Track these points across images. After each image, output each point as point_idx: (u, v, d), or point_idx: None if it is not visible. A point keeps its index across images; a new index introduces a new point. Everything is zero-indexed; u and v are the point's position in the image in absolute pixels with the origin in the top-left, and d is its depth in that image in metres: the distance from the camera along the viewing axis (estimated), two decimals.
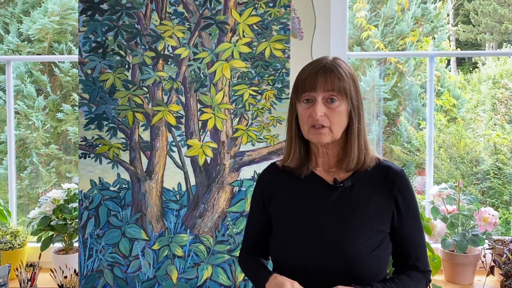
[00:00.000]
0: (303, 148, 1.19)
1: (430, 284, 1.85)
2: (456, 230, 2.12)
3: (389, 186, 1.15)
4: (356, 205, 1.13)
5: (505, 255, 2.00)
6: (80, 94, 1.89)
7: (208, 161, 1.87)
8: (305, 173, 1.19)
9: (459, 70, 9.41)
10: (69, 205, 2.22)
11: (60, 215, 2.20)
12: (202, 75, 1.87)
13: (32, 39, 5.15)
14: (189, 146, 1.88)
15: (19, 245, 2.26)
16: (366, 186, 1.15)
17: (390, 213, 1.14)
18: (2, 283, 1.89)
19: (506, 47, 9.58)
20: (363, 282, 1.08)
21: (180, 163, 1.88)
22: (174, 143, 1.88)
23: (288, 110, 1.21)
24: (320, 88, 1.10)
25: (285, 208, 1.19)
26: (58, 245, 2.24)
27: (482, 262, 2.12)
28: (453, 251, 2.11)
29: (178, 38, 1.88)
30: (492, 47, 10.31)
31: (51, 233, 2.20)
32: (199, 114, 1.88)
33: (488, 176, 4.78)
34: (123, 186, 1.88)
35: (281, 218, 1.20)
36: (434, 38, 6.08)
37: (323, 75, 1.11)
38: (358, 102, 1.14)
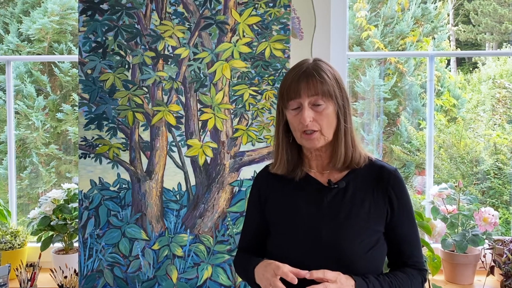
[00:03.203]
0: (291, 153, 1.20)
1: (430, 284, 1.85)
2: (456, 230, 2.12)
3: (383, 186, 1.15)
4: (351, 205, 1.14)
5: (505, 255, 2.00)
6: (80, 94, 1.89)
7: (208, 161, 1.87)
8: (299, 176, 1.19)
9: (459, 70, 9.41)
10: (69, 205, 2.22)
11: (60, 215, 2.20)
12: (202, 75, 1.87)
13: (32, 39, 5.15)
14: (189, 146, 1.88)
15: (19, 245, 2.26)
16: (360, 186, 1.16)
17: (385, 212, 1.14)
18: (2, 283, 1.89)
19: (506, 47, 9.58)
20: None
21: (180, 163, 1.88)
22: (174, 143, 1.88)
23: (275, 117, 1.22)
24: (304, 94, 1.11)
25: (281, 210, 1.20)
26: (58, 245, 2.24)
27: (482, 262, 2.12)
28: (453, 251, 2.11)
29: (178, 38, 1.88)
30: (492, 47, 10.30)
31: (51, 233, 2.20)
32: (199, 114, 1.88)
33: (488, 176, 4.78)
34: (123, 186, 1.88)
35: (277, 221, 1.20)
36: (434, 38, 6.08)
37: (305, 81, 1.11)
38: (344, 102, 1.14)
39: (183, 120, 1.88)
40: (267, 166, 1.29)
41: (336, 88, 1.13)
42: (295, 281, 1.03)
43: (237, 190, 1.87)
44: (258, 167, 1.86)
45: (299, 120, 1.12)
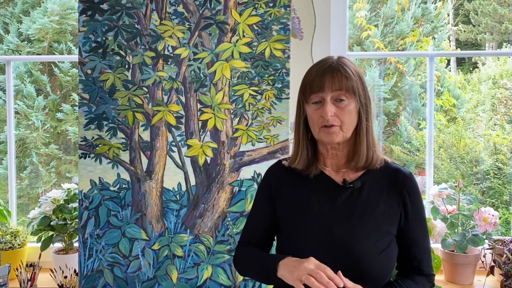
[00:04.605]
0: (310, 150, 1.19)
1: None
2: (456, 230, 2.12)
3: (398, 189, 1.15)
4: (365, 206, 1.13)
5: (505, 255, 2.00)
6: (80, 94, 1.88)
7: (208, 161, 1.87)
8: (314, 173, 1.18)
9: (459, 70, 9.42)
10: (69, 205, 2.22)
11: (60, 215, 2.20)
12: (202, 75, 1.87)
13: (32, 39, 5.15)
14: (189, 146, 1.88)
15: (19, 245, 2.26)
16: (375, 187, 1.15)
17: (398, 215, 1.14)
18: (2, 283, 1.89)
19: (506, 47, 9.58)
20: (370, 284, 1.08)
21: (180, 163, 1.88)
22: (174, 143, 1.88)
23: (295, 112, 1.21)
24: (328, 88, 1.10)
25: (294, 206, 1.18)
26: (58, 245, 2.24)
27: (482, 262, 2.12)
28: (453, 251, 2.11)
29: (178, 38, 1.88)
30: (492, 47, 10.31)
31: (51, 233, 2.20)
32: (199, 114, 1.88)
33: (488, 176, 4.78)
34: (123, 186, 1.88)
35: (289, 217, 1.18)
36: (434, 38, 6.09)
37: (330, 75, 1.10)
38: (366, 100, 1.14)
39: (183, 120, 1.88)
40: (280, 161, 1.27)
41: (360, 86, 1.12)
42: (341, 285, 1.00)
43: (237, 190, 1.87)
44: (258, 167, 1.86)
45: (319, 114, 1.11)
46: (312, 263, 1.04)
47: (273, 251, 1.27)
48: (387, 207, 1.14)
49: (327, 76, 1.10)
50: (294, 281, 1.03)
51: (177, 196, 1.88)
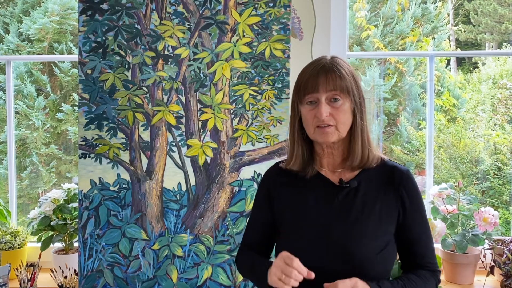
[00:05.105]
0: (306, 150, 1.19)
1: None
2: (456, 230, 2.12)
3: (395, 186, 1.14)
4: (362, 205, 1.13)
5: (505, 255, 2.00)
6: (80, 94, 1.89)
7: (208, 161, 1.87)
8: (310, 174, 1.18)
9: (459, 70, 9.42)
10: (69, 205, 2.22)
11: (60, 215, 2.20)
12: (202, 75, 1.87)
13: (32, 39, 5.15)
14: (189, 146, 1.88)
15: (19, 245, 2.26)
16: (372, 186, 1.15)
17: (396, 213, 1.14)
18: (2, 283, 1.89)
19: (506, 47, 9.58)
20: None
21: (180, 163, 1.88)
22: (174, 143, 1.88)
23: (290, 113, 1.21)
24: (322, 88, 1.10)
25: (291, 208, 1.18)
26: (58, 245, 2.24)
27: (482, 262, 2.12)
28: (453, 251, 2.11)
29: (178, 38, 1.88)
30: (492, 47, 10.31)
31: (51, 233, 2.20)
32: (199, 114, 1.88)
33: (488, 176, 4.78)
34: (123, 186, 1.88)
35: (287, 219, 1.18)
36: (434, 38, 6.09)
37: (324, 76, 1.10)
38: (360, 99, 1.14)
39: (183, 120, 1.88)
40: (277, 163, 1.27)
41: (354, 85, 1.12)
42: (312, 276, 1.02)
43: (237, 190, 1.87)
44: (258, 167, 1.86)
45: (314, 115, 1.11)
46: (280, 257, 1.06)
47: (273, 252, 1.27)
48: (384, 205, 1.13)
49: (321, 76, 1.10)
50: (276, 284, 1.05)
51: (177, 196, 1.88)
